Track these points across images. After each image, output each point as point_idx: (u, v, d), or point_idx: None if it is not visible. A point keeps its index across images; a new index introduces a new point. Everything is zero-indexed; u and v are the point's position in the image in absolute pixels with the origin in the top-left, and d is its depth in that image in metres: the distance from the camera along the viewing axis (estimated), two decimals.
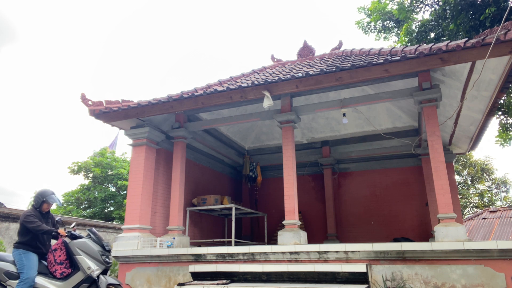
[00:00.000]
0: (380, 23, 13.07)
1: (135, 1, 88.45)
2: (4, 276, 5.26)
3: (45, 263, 5.53)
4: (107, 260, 5.53)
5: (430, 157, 6.50)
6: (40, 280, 5.31)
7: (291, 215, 7.15)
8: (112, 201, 21.04)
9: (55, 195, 5.75)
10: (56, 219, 6.14)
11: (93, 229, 5.85)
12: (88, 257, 5.37)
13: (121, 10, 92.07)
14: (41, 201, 5.59)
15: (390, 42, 13.52)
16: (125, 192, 20.15)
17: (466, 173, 23.80)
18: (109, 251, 5.66)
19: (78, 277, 5.32)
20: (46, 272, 5.43)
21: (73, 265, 5.43)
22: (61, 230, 5.47)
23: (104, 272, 5.59)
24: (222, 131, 11.14)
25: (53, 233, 5.42)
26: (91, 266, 5.30)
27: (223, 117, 9.25)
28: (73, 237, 5.59)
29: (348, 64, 6.77)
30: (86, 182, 21.59)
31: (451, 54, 5.90)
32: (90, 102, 8.08)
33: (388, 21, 12.92)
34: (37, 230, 5.34)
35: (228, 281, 6.41)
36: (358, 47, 8.82)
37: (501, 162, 43.19)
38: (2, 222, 9.71)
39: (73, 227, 5.90)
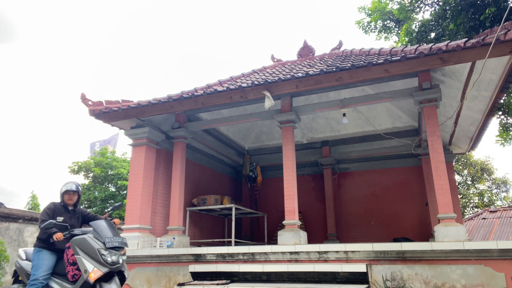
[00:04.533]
0: (380, 23, 13.06)
1: (135, 1, 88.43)
2: (25, 278, 4.86)
3: None
4: (109, 259, 4.38)
5: (430, 157, 6.50)
6: (53, 283, 4.66)
7: (291, 215, 7.14)
8: (112, 201, 21.00)
9: (72, 182, 5.13)
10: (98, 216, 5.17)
11: (102, 221, 4.78)
12: (87, 257, 4.40)
13: (121, 10, 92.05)
14: (61, 193, 5.06)
15: (390, 42, 13.52)
16: (125, 192, 20.13)
17: (466, 173, 23.80)
18: (114, 248, 4.48)
19: (80, 281, 4.40)
20: (64, 273, 4.67)
21: None
22: (57, 234, 4.56)
23: (117, 274, 4.59)
24: (222, 131, 11.14)
25: (51, 234, 4.61)
26: (88, 268, 4.32)
27: (223, 117, 9.25)
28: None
29: (348, 64, 6.76)
30: (86, 182, 21.58)
31: (451, 54, 5.90)
32: (90, 102, 8.09)
33: (388, 21, 12.91)
34: (39, 227, 4.75)
35: (228, 281, 6.40)
36: (358, 47, 8.82)
37: (501, 162, 43.21)
38: (2, 222, 9.71)
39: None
